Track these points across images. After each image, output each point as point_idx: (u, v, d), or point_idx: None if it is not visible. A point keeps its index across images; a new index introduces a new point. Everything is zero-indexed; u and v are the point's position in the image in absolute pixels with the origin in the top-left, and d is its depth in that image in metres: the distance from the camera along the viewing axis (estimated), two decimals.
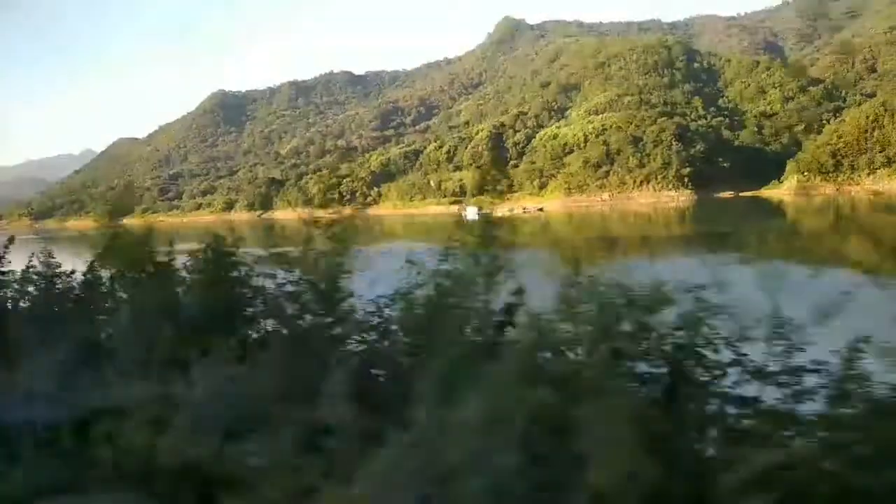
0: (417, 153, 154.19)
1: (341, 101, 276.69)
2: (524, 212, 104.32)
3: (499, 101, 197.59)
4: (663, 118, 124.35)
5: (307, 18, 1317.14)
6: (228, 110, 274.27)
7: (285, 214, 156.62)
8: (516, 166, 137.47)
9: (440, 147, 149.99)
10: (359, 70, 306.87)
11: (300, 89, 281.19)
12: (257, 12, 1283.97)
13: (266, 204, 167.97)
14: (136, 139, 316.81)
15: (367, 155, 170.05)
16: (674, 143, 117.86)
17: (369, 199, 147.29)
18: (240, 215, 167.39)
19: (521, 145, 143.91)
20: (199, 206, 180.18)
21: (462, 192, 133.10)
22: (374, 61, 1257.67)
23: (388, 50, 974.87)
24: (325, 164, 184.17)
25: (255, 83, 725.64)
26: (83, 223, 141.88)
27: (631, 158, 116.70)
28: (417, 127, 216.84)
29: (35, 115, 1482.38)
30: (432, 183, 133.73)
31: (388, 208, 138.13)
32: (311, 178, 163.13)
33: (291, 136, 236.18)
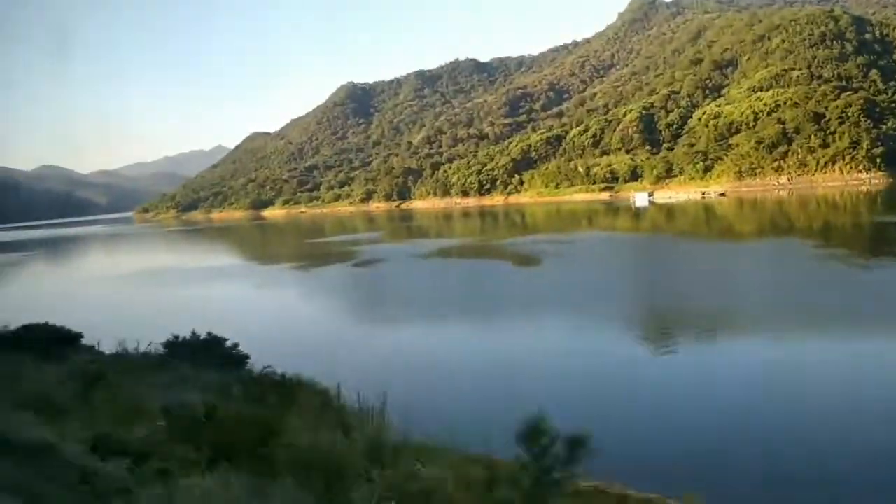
0: (559, 138, 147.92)
1: (467, 90, 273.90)
2: (703, 197, 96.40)
3: (637, 82, 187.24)
4: (847, 93, 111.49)
5: (431, 7, 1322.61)
6: (357, 102, 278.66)
7: (424, 203, 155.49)
8: (671, 149, 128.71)
9: (584, 131, 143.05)
10: (484, 57, 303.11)
11: (426, 79, 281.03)
12: (383, 4, 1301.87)
13: (403, 193, 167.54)
14: (268, 133, 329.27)
15: (504, 142, 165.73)
16: (862, 119, 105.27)
17: (510, 186, 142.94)
18: (378, 205, 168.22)
19: (674, 126, 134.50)
20: (337, 197, 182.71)
21: (613, 177, 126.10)
22: (499, 48, 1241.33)
23: (512, 36, 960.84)
24: (459, 152, 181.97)
25: (381, 74, 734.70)
26: (228, 214, 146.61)
27: (813, 137, 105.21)
28: (549, 112, 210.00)
29: (170, 114, 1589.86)
30: (580, 168, 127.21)
31: (532, 196, 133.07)
32: (448, 167, 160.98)
33: (421, 126, 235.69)
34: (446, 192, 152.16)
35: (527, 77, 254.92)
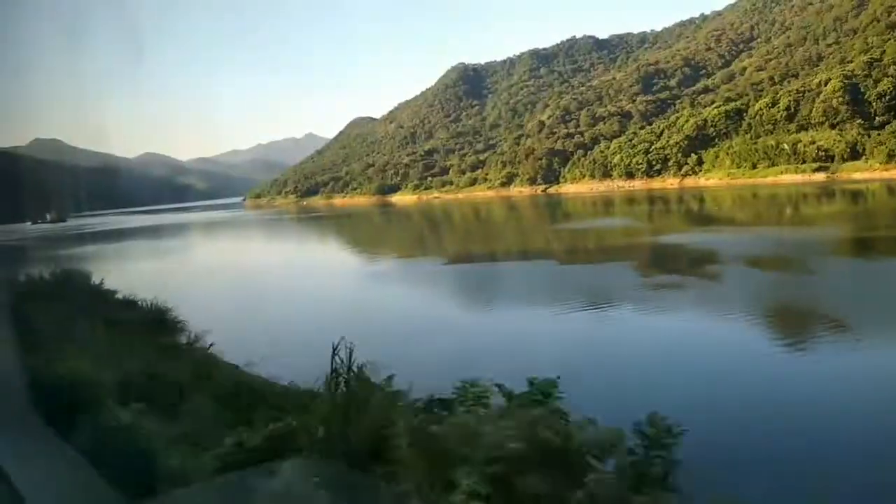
0: (739, 112, 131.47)
1: (586, 68, 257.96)
2: None
3: (805, 53, 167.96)
4: None
5: None
6: (469, 84, 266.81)
7: (577, 187, 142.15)
8: (886, 122, 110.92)
9: (773, 104, 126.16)
10: (602, 34, 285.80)
11: (541, 58, 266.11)
12: None
13: (549, 177, 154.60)
14: (373, 118, 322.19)
15: (654, 119, 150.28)
16: None
17: (685, 168, 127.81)
18: (521, 189, 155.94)
19: (887, 97, 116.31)
20: (473, 182, 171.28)
21: (827, 156, 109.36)
22: (617, 24, 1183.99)
23: (631, 11, 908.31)
24: (602, 131, 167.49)
25: (493, 55, 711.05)
26: (351, 200, 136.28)
27: None
28: (692, 88, 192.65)
29: (262, 102, 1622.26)
30: (785, 145, 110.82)
31: (718, 178, 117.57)
32: (606, 146, 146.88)
33: (544, 106, 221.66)
34: (606, 174, 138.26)
35: (656, 53, 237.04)
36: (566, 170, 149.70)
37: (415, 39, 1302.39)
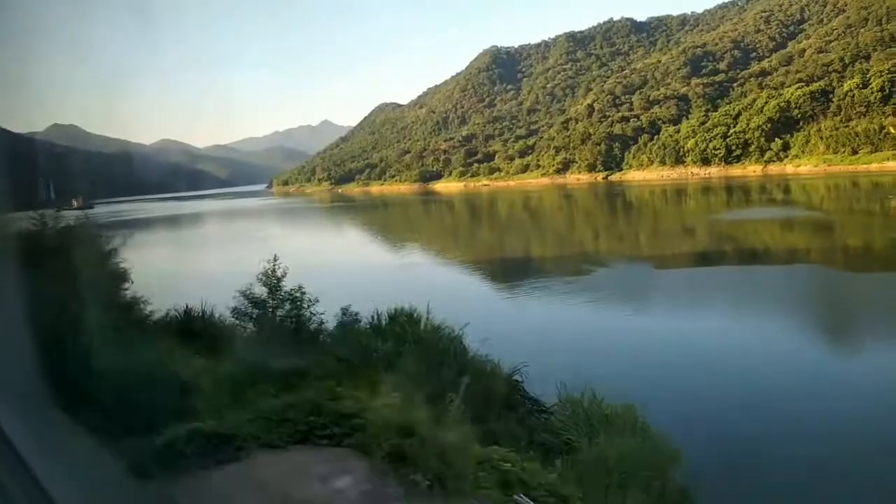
0: (825, 93, 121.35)
1: (624, 51, 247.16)
2: None
3: (850, 35, 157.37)
4: None
5: None
6: (503, 67, 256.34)
7: (643, 174, 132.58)
8: None
9: (863, 85, 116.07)
10: (640, 16, 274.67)
11: (577, 41, 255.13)
12: None
13: (609, 163, 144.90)
14: (398, 104, 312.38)
15: (747, 99, 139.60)
16: None
17: (768, 153, 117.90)
18: (578, 177, 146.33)
19: None
20: (524, 168, 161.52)
21: None
22: (653, 6, 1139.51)
23: None
24: (659, 115, 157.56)
25: (526, 38, 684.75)
26: (390, 187, 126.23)
27: None
28: (746, 71, 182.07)
29: (278, 91, 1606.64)
30: (893, 129, 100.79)
31: (812, 164, 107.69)
32: (674, 130, 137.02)
33: (586, 90, 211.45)
34: (678, 160, 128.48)
35: (702, 35, 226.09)
36: (630, 155, 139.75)
37: (440, 23, 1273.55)
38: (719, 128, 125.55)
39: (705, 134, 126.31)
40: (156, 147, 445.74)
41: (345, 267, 39.57)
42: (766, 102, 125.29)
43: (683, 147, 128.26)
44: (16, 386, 3.81)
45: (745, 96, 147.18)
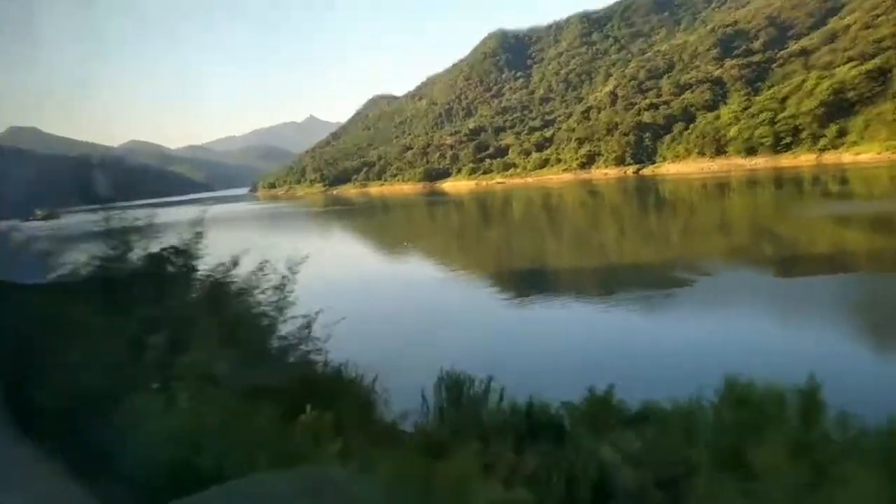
0: (882, 72, 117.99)
1: (646, 33, 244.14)
2: None
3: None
4: None
5: None
6: (511, 52, 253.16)
7: (680, 167, 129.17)
8: None
9: None
10: None
11: (592, 22, 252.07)
12: None
13: (639, 155, 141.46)
14: (394, 96, 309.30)
15: (795, 80, 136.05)
16: None
17: (822, 140, 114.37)
18: (606, 171, 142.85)
19: None
20: (543, 164, 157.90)
21: None
22: None
23: None
24: (693, 101, 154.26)
25: (535, 19, 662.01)
26: (392, 188, 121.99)
27: None
28: (785, 50, 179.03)
29: (259, 87, 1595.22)
30: None
31: (875, 152, 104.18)
32: (711, 117, 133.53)
33: (606, 76, 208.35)
34: (719, 151, 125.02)
35: (731, 13, 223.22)
36: (663, 146, 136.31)
37: (437, 7, 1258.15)
38: (765, 113, 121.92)
39: (750, 121, 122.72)
40: (124, 149, 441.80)
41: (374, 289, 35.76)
42: (816, 84, 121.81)
43: (725, 136, 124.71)
44: None
45: (790, 78, 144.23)
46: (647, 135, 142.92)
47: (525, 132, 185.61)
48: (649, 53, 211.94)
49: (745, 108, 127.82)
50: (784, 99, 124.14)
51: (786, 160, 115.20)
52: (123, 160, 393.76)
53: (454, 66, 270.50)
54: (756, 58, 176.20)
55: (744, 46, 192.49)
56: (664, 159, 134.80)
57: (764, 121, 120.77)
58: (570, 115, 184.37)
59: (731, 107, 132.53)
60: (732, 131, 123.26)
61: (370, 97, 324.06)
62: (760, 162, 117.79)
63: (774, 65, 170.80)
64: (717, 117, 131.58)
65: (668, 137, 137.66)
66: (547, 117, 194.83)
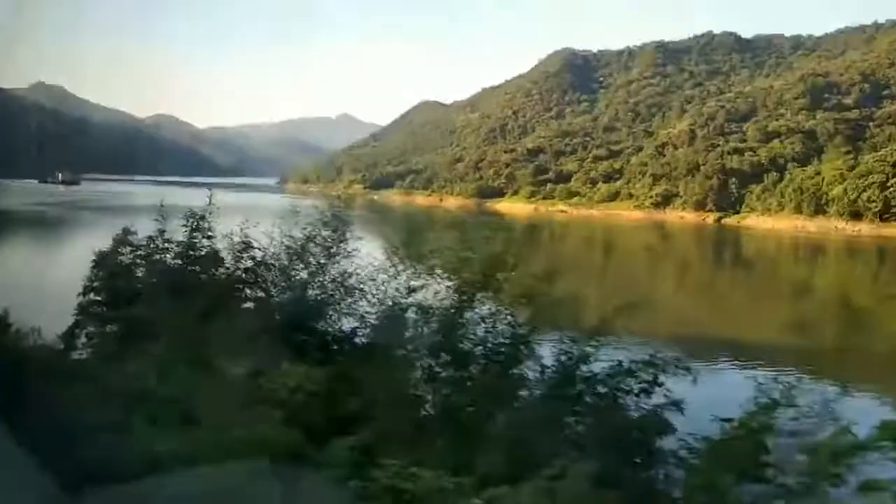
0: None
1: (724, 71, 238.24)
2: None
3: None
4: None
5: None
6: (575, 74, 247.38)
7: (770, 222, 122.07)
8: None
9: None
10: (745, 32, 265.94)
11: (668, 53, 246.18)
12: None
13: (723, 202, 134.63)
14: (441, 104, 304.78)
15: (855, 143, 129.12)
16: None
17: None
18: (683, 214, 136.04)
19: None
20: (613, 196, 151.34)
21: None
22: (764, 23, 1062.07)
23: (783, 8, 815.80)
24: (783, 152, 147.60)
25: (605, 42, 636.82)
26: (438, 200, 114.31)
27: None
28: (884, 109, 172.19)
29: (293, 76, 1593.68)
30: None
31: None
32: (808, 172, 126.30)
33: (681, 111, 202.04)
34: (818, 210, 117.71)
35: (823, 63, 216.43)
36: (752, 196, 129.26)
37: (499, 16, 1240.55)
38: (875, 175, 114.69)
39: (857, 181, 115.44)
40: (151, 121, 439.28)
41: None
42: None
43: (827, 195, 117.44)
44: None
45: (893, 140, 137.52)
46: (734, 181, 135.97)
47: (589, 160, 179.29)
48: (729, 94, 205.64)
49: (852, 168, 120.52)
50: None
51: (893, 229, 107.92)
52: (145, 133, 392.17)
53: (512, 80, 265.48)
54: (852, 114, 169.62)
55: (835, 100, 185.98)
56: (752, 210, 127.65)
57: (873, 183, 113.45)
58: (640, 149, 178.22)
59: (834, 163, 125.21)
60: (836, 191, 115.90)
61: (417, 102, 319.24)
62: (865, 228, 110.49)
63: (872, 123, 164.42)
64: (817, 172, 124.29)
65: (757, 187, 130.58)
66: (612, 147, 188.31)
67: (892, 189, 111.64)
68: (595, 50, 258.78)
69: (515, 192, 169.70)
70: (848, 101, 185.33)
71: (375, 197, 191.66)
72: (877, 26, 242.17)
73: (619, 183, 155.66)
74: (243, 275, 10.85)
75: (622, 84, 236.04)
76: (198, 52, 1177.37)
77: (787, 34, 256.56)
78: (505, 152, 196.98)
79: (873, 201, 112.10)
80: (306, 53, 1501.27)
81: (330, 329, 9.76)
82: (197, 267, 10.78)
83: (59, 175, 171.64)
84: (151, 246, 11.37)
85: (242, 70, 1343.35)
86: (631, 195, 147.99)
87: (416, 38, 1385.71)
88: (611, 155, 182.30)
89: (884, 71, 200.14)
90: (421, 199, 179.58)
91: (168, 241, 11.02)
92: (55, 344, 11.03)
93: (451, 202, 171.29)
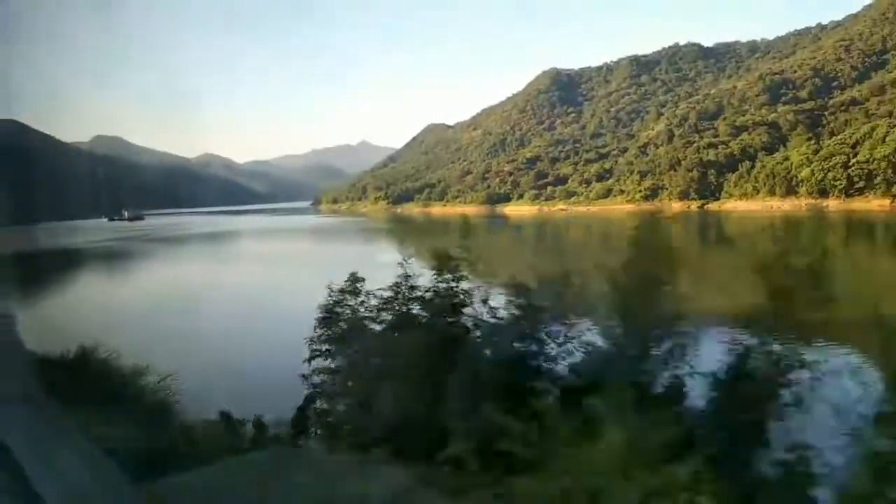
0: None
1: (691, 77, 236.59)
2: None
3: None
4: None
5: None
6: (563, 90, 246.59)
7: (746, 205, 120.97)
8: None
9: None
10: (707, 41, 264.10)
11: (641, 65, 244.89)
12: None
13: (703, 191, 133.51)
14: (447, 125, 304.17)
15: (864, 128, 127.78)
16: None
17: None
18: (668, 205, 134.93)
19: None
20: (606, 193, 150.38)
21: None
22: (721, 32, 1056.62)
23: (738, 18, 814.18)
24: (751, 142, 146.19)
25: (586, 60, 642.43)
26: (452, 208, 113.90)
27: None
28: (835, 99, 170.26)
29: (317, 110, 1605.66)
30: None
31: None
32: (779, 158, 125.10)
33: (657, 115, 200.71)
34: (789, 191, 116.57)
35: (778, 63, 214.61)
36: (730, 183, 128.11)
37: (492, 45, 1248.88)
38: (837, 157, 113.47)
39: (822, 163, 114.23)
40: (199, 161, 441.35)
41: None
42: (887, 132, 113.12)
43: (796, 177, 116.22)
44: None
45: (851, 125, 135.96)
46: (711, 172, 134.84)
47: (581, 163, 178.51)
48: (698, 96, 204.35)
49: (816, 152, 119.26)
50: (855, 145, 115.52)
51: (857, 203, 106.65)
52: (196, 171, 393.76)
53: (508, 99, 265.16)
54: (807, 105, 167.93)
55: (791, 94, 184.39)
56: (730, 196, 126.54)
57: (836, 164, 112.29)
58: (624, 150, 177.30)
59: (799, 149, 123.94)
60: (804, 173, 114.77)
61: (425, 125, 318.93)
62: (832, 204, 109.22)
63: (826, 112, 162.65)
64: (786, 158, 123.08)
65: (733, 175, 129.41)
66: (600, 150, 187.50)
67: (853, 168, 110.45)
68: (577, 67, 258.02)
69: (520, 196, 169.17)
70: (803, 94, 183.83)
71: (398, 210, 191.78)
72: (821, 27, 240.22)
73: (610, 181, 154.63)
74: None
75: (603, 95, 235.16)
76: (235, 95, 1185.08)
77: (744, 40, 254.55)
78: (507, 163, 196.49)
79: (838, 180, 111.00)
80: (328, 89, 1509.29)
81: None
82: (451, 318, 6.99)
83: (125, 213, 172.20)
84: (395, 295, 7.58)
85: (273, 108, 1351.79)
86: (622, 191, 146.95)
87: (421, 69, 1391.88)
88: (599, 157, 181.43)
89: (832, 65, 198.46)
90: (436, 210, 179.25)
91: (413, 287, 7.36)
92: (279, 428, 8.69)
93: (466, 209, 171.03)
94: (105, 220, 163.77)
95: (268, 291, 37.97)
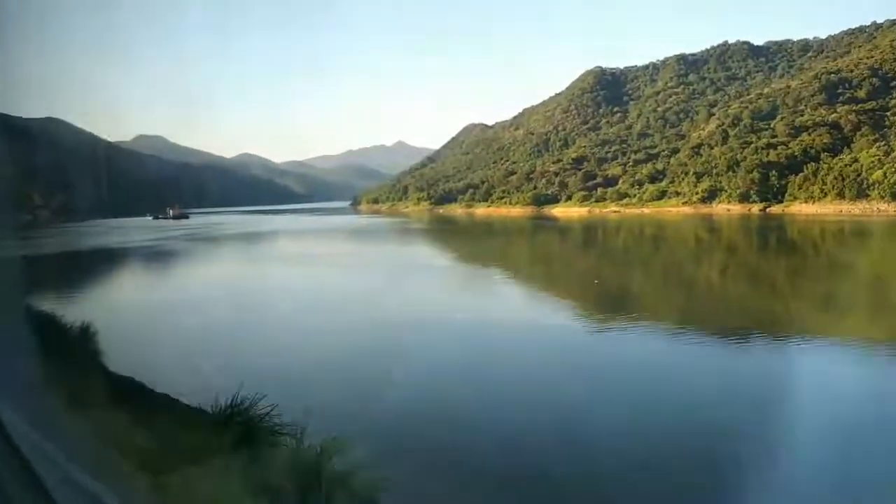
0: None
1: (741, 76, 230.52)
2: None
3: None
4: None
5: None
6: (607, 89, 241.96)
7: (814, 209, 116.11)
8: None
9: None
10: (757, 40, 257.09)
11: (689, 64, 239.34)
12: None
13: (765, 193, 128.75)
14: (486, 125, 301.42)
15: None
16: None
17: None
18: (729, 207, 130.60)
19: None
20: (661, 195, 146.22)
21: None
22: (772, 31, 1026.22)
23: (789, 17, 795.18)
24: (812, 142, 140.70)
25: (631, 59, 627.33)
26: (497, 210, 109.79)
27: None
28: (891, 100, 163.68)
29: (353, 110, 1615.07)
30: None
31: None
32: (853, 160, 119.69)
33: (708, 115, 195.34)
34: (860, 194, 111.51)
35: (833, 62, 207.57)
36: (795, 186, 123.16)
37: (535, 44, 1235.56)
38: None
39: (895, 165, 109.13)
40: (237, 160, 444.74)
41: None
42: None
43: (867, 179, 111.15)
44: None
45: None
46: (774, 173, 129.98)
47: (630, 164, 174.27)
48: (750, 96, 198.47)
49: (888, 153, 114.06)
50: None
51: None
52: (235, 171, 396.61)
53: (550, 99, 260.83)
54: (868, 105, 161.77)
55: (849, 94, 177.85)
56: (794, 199, 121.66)
57: None
58: (675, 150, 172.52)
59: (868, 150, 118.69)
60: (876, 175, 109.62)
61: (464, 125, 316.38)
62: None
63: (888, 113, 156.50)
64: (855, 160, 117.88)
65: (796, 177, 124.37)
66: (649, 151, 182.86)
67: None
68: (622, 66, 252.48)
69: (569, 198, 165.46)
70: (861, 94, 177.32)
71: (441, 210, 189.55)
72: (876, 26, 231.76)
73: (664, 182, 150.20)
74: None
75: (650, 95, 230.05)
76: (273, 95, 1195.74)
77: (795, 38, 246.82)
78: (553, 163, 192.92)
79: None
80: (364, 88, 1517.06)
81: None
82: None
83: (170, 211, 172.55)
84: None
85: (310, 108, 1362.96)
86: (677, 193, 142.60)
87: (458, 69, 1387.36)
88: (649, 158, 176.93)
89: (890, 65, 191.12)
90: (480, 210, 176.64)
91: None
92: None
93: (511, 210, 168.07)
94: (150, 217, 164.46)
95: (350, 299, 35.85)
